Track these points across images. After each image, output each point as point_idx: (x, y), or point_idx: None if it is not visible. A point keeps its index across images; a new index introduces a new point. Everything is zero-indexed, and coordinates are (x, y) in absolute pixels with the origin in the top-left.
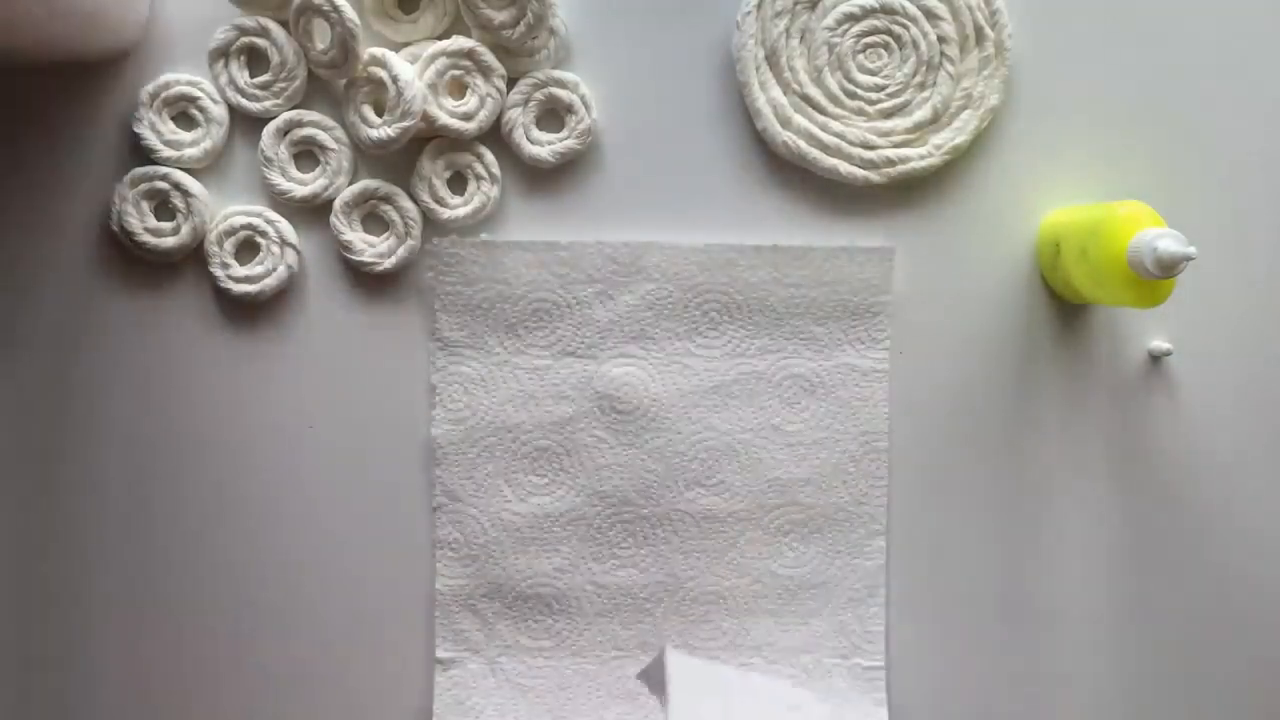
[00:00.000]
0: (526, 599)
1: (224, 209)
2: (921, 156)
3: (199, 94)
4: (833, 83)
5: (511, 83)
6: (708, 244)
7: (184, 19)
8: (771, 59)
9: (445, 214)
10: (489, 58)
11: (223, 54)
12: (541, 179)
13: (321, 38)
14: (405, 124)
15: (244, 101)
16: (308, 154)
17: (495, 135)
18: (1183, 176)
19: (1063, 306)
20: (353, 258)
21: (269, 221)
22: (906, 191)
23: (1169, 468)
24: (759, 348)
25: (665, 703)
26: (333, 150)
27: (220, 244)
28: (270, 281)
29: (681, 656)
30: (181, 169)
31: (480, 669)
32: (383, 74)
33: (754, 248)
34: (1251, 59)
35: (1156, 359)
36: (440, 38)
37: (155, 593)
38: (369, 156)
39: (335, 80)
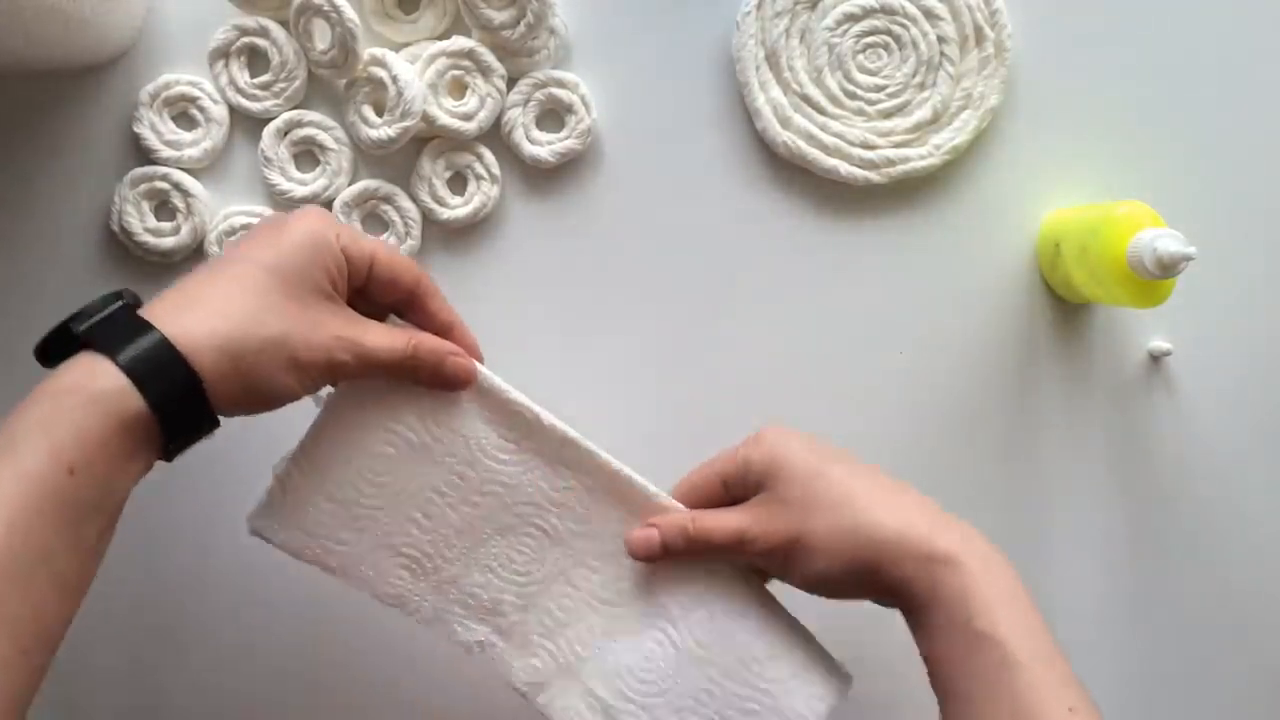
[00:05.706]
0: None
1: (224, 209)
2: (921, 156)
3: (199, 94)
4: (833, 83)
5: (511, 83)
6: None
7: (184, 19)
8: (771, 59)
9: (445, 214)
10: (489, 58)
11: (223, 54)
12: (541, 179)
13: (321, 38)
14: (405, 124)
15: (244, 101)
16: (308, 154)
17: (495, 135)
18: (1183, 176)
19: (1063, 306)
20: None
21: None
22: (906, 191)
23: (1169, 467)
24: None
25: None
26: (333, 150)
27: (220, 244)
28: None
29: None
30: (181, 169)
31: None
32: (383, 74)
33: None
34: (1251, 59)
35: (1156, 359)
36: (440, 38)
37: (154, 592)
38: (369, 156)
39: (335, 80)
